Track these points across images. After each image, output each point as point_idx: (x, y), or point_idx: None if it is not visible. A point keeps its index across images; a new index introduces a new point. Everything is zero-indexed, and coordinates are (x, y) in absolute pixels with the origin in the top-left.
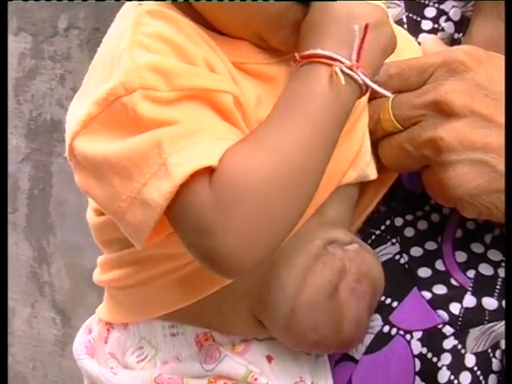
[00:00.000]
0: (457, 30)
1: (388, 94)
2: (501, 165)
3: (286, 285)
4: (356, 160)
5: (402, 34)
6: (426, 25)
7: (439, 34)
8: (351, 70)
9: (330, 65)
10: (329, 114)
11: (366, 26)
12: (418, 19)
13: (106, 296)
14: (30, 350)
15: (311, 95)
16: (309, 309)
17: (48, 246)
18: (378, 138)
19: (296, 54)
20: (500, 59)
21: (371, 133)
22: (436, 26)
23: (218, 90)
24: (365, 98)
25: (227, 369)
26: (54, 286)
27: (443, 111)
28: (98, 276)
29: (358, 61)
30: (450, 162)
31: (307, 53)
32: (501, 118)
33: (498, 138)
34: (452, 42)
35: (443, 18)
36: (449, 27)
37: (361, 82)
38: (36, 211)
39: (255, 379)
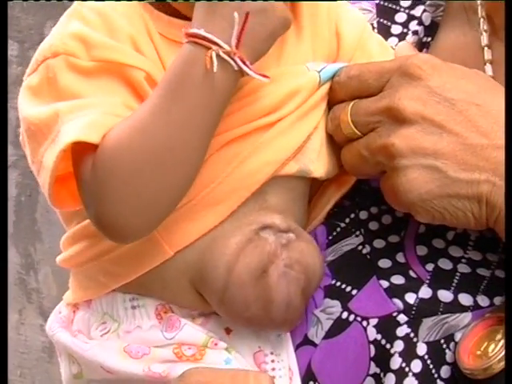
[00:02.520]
0: (426, 34)
1: (264, 79)
2: (452, 171)
3: (220, 262)
4: (298, 155)
5: (378, 39)
6: (396, 29)
7: (408, 37)
8: (229, 55)
9: (209, 48)
10: (202, 99)
11: (247, 14)
12: (389, 24)
13: (71, 278)
14: (18, 356)
15: (186, 79)
16: (239, 287)
17: (35, 252)
18: (339, 143)
19: (183, 30)
20: (457, 68)
21: (333, 136)
22: (405, 30)
23: (130, 66)
24: (318, 96)
25: (187, 336)
26: (41, 293)
27: (396, 118)
28: (60, 257)
29: (237, 46)
30: (401, 167)
31: (191, 31)
32: (452, 124)
33: (449, 145)
34: (421, 45)
35: (414, 22)
36: (420, 31)
37: (236, 68)
38: (23, 218)
39: (215, 344)
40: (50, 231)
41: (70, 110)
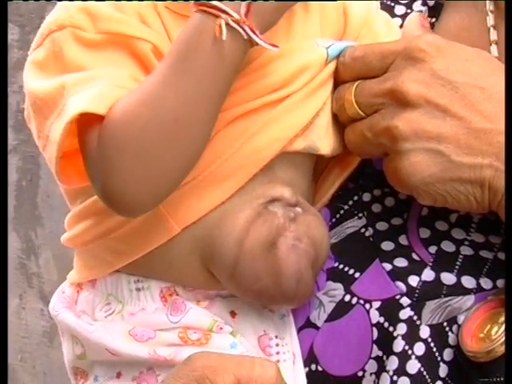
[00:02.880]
0: (430, 15)
1: (274, 48)
2: (455, 155)
3: (230, 236)
4: (307, 131)
5: (384, 18)
6: (399, 10)
7: None
8: (238, 24)
9: (218, 16)
10: (211, 68)
11: None
12: (392, 4)
13: (75, 257)
14: (19, 341)
15: (195, 48)
16: (249, 260)
17: (36, 237)
18: (343, 122)
19: (191, 1)
20: (462, 49)
21: (338, 115)
22: (409, 10)
23: (137, 37)
24: (326, 73)
25: (193, 320)
26: (42, 278)
27: (399, 100)
28: (64, 236)
29: (246, 15)
30: (404, 150)
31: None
32: (456, 108)
33: (452, 128)
34: None
35: (419, 2)
36: (424, 11)
37: (245, 37)
38: (24, 203)
39: (220, 328)
40: (50, 216)
41: (77, 82)
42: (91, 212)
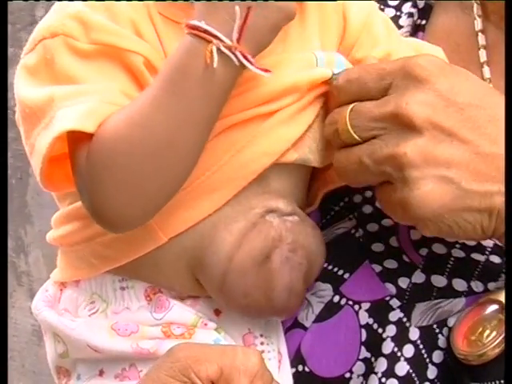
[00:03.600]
0: (420, 17)
1: (266, 74)
2: (464, 182)
3: (221, 248)
4: (299, 143)
5: (384, 22)
6: (389, 12)
7: (401, 20)
8: (230, 49)
9: (209, 41)
10: (202, 93)
11: (249, 7)
12: (382, 7)
13: (59, 256)
14: (8, 339)
15: (186, 72)
16: (240, 274)
17: (25, 235)
18: (335, 148)
19: (184, 21)
20: (459, 69)
21: (330, 141)
22: (398, 13)
23: (128, 50)
24: (319, 91)
25: (176, 316)
26: (31, 276)
27: (403, 124)
28: (50, 234)
29: (238, 40)
30: (412, 179)
31: (192, 23)
32: (463, 131)
33: (462, 153)
34: (415, 28)
35: (408, 4)
36: (414, 14)
37: (237, 63)
38: (14, 200)
39: (205, 324)
40: (40, 214)
41: (66, 96)
42: (79, 215)
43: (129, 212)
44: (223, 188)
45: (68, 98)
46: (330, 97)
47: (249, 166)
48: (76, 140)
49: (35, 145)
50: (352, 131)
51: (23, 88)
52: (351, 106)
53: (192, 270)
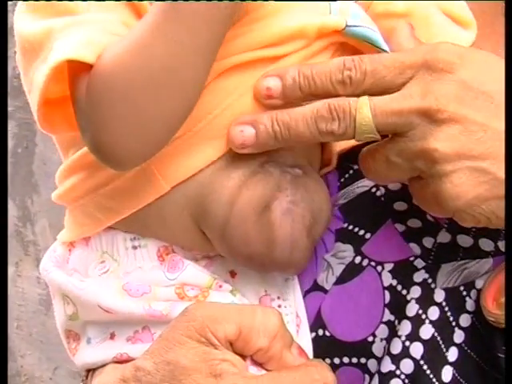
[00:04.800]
0: None
1: None
2: (500, 171)
3: (221, 196)
4: None
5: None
6: None
7: None
8: None
9: None
10: (205, 13)
11: None
12: None
13: (66, 216)
14: (15, 309)
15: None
16: (240, 221)
17: (32, 204)
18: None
19: None
20: (481, 54)
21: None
22: None
23: None
24: (330, 40)
25: (190, 277)
26: (38, 245)
27: (432, 118)
28: (55, 192)
29: None
30: (445, 172)
31: None
32: (494, 120)
33: (494, 143)
34: None
35: None
36: None
37: None
38: (20, 170)
39: (220, 286)
40: (47, 183)
41: (64, 26)
42: (80, 165)
43: (129, 145)
44: (225, 135)
45: (66, 28)
46: (339, 88)
47: (251, 112)
48: (76, 72)
49: (33, 79)
50: (374, 128)
51: (22, 23)
52: (367, 99)
53: (196, 220)
